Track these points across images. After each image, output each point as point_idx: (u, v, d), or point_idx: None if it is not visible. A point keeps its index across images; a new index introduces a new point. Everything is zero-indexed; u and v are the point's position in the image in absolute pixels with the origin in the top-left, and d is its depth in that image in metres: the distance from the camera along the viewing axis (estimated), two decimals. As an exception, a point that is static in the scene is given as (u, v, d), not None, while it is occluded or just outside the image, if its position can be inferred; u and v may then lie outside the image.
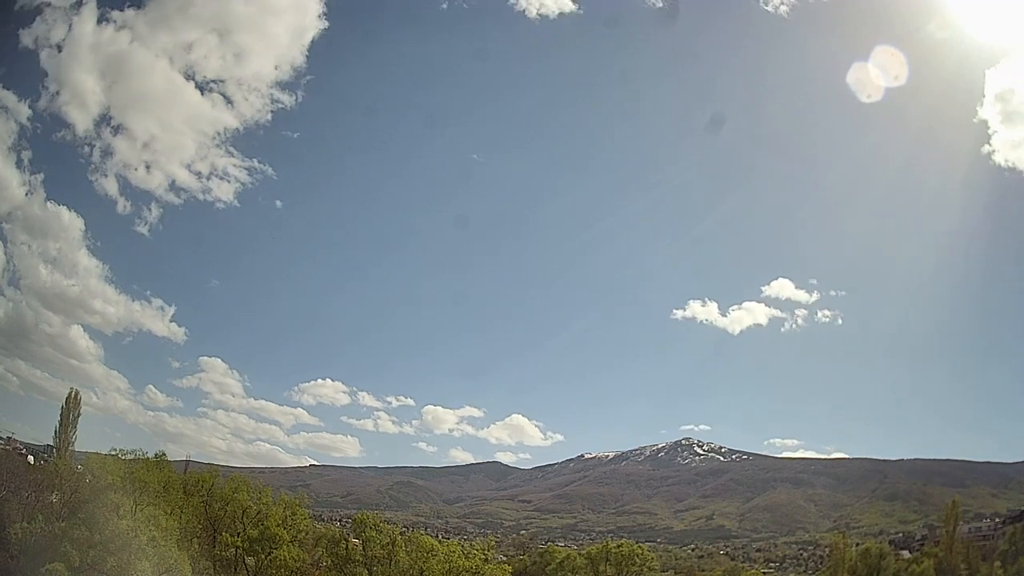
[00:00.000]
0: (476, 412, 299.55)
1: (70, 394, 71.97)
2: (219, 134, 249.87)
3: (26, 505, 46.17)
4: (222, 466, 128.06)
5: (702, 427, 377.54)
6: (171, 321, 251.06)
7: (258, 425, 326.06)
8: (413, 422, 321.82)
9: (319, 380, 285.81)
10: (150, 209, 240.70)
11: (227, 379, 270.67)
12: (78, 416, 70.40)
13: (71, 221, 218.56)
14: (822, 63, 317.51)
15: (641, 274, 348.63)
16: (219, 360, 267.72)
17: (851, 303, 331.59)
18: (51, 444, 73.37)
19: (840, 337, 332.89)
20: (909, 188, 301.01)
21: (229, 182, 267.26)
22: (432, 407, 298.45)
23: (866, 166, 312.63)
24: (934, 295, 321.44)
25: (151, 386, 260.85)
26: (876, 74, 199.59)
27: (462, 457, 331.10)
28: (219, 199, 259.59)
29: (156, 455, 61.35)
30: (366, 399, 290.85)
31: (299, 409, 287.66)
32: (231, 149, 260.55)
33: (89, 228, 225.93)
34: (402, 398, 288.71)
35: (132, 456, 56.50)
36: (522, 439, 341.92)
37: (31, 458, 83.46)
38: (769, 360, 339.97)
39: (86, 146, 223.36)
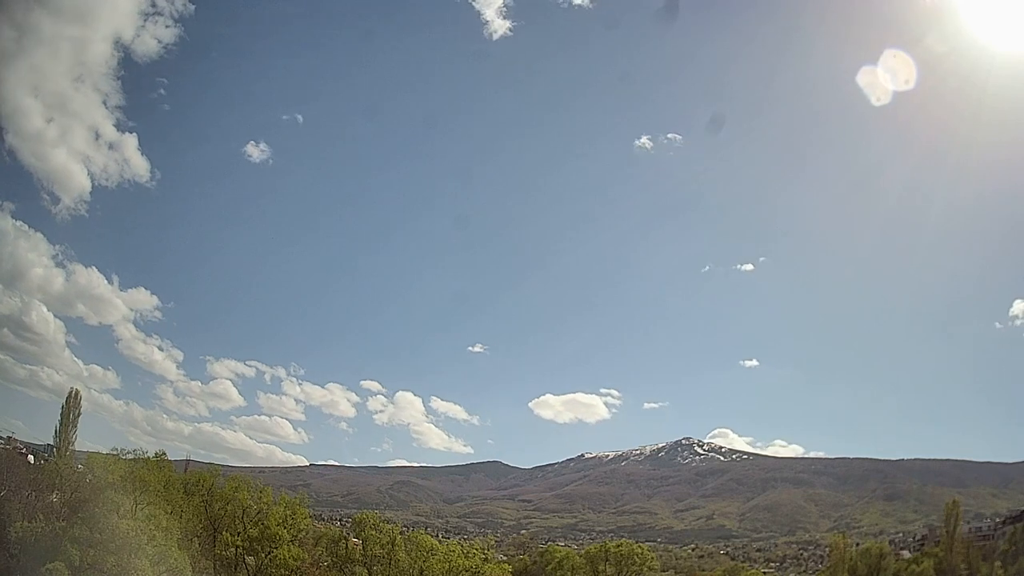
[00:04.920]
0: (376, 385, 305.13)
1: (70, 393, 71.80)
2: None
3: (26, 504, 46.04)
4: (223, 466, 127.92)
5: (702, 427, 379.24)
6: (111, 290, 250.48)
7: (197, 405, 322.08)
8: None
9: (237, 360, 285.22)
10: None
11: (167, 360, 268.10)
12: (78, 415, 70.19)
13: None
14: (828, 66, 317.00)
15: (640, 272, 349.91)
16: (164, 340, 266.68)
17: (854, 303, 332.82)
18: (51, 443, 73.26)
19: (843, 337, 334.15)
20: (918, 189, 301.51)
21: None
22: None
23: (871, 167, 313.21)
24: (936, 296, 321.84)
25: (95, 365, 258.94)
26: (885, 78, 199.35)
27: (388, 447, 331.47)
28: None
29: (156, 454, 61.62)
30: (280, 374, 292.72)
31: (224, 385, 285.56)
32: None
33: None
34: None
35: (132, 455, 56.64)
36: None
37: (31, 457, 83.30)
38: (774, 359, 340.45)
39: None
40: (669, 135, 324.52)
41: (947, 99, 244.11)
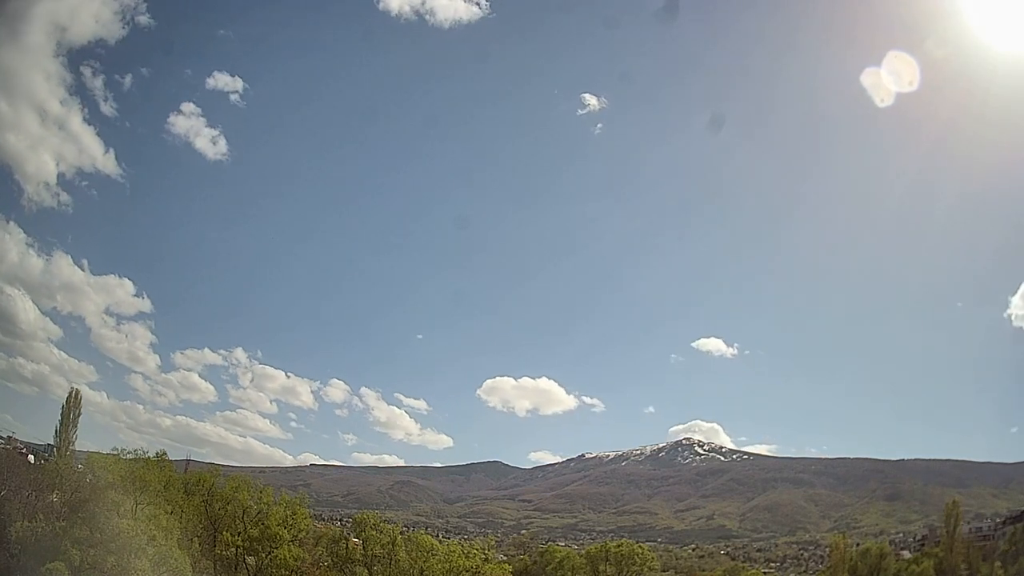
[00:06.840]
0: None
1: (71, 393, 71.79)
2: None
3: (27, 504, 46.04)
4: (224, 466, 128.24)
5: (702, 426, 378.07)
6: (83, 279, 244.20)
7: (168, 395, 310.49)
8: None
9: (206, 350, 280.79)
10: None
11: (139, 350, 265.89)
12: (79, 415, 70.16)
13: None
14: (831, 67, 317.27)
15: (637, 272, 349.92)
16: (145, 328, 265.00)
17: (855, 302, 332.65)
18: (51, 443, 73.27)
19: (844, 337, 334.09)
20: (920, 188, 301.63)
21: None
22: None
23: (875, 167, 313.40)
24: (937, 296, 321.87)
25: (71, 357, 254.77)
26: (888, 79, 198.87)
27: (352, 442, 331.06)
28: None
29: (157, 454, 61.66)
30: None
31: (192, 377, 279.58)
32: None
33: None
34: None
35: (133, 455, 56.67)
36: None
37: (31, 457, 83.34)
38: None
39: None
40: (668, 135, 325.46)
41: (950, 100, 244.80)
